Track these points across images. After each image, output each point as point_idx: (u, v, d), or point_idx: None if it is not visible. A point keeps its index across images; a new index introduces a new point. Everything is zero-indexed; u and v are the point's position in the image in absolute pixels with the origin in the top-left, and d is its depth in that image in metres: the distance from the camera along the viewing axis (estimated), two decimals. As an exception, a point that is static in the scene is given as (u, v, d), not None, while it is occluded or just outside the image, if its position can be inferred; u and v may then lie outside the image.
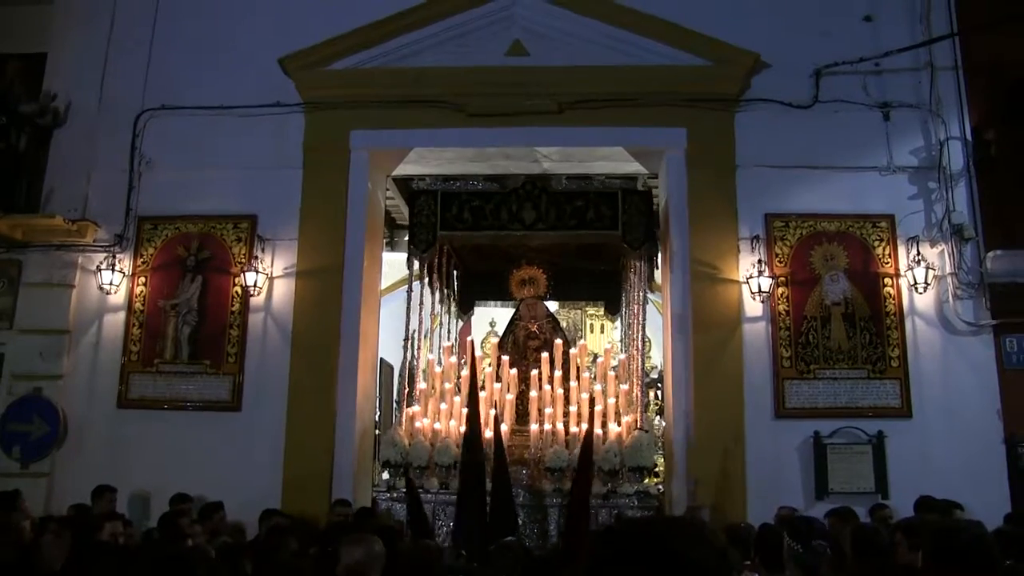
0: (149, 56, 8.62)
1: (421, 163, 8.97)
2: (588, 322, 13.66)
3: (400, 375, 12.96)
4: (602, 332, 13.48)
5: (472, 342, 9.10)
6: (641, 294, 8.47)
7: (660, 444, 9.03)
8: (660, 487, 8.32)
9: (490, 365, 8.94)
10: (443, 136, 8.29)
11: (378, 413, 9.99)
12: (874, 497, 7.23)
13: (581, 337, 12.96)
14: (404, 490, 7.46)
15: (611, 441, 7.59)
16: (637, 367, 8.37)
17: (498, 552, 4.73)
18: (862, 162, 8.02)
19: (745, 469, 7.40)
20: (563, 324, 12.39)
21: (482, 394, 8.09)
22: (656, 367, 12.49)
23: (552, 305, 10.84)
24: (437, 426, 7.94)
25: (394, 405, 12.88)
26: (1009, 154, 7.87)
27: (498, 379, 8.39)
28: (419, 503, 6.98)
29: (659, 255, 8.70)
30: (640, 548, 1.49)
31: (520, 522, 7.11)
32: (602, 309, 12.15)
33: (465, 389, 8.27)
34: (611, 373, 8.37)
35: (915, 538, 3.86)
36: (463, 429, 7.33)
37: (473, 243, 9.07)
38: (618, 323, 10.65)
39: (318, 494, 7.44)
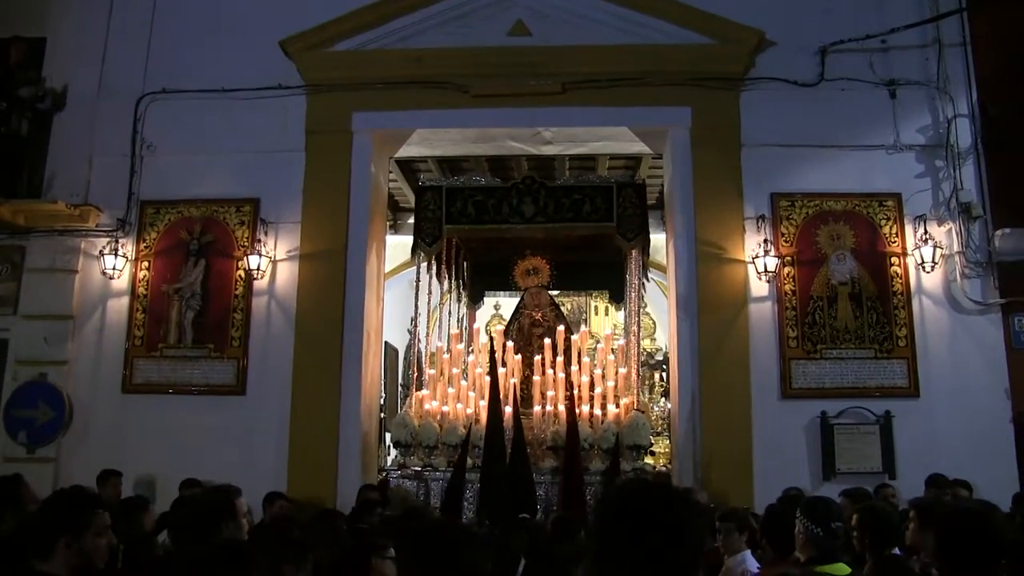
0: (149, 39, 8.57)
1: (424, 145, 8.94)
2: (592, 304, 13.65)
3: (405, 359, 13.01)
4: (606, 315, 13.46)
5: (478, 330, 9.16)
6: (637, 281, 8.51)
7: (664, 424, 9.08)
8: (667, 467, 8.36)
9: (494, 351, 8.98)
10: (446, 117, 8.24)
11: (383, 396, 10.00)
12: (881, 477, 7.22)
13: (585, 320, 13.00)
14: (415, 468, 7.71)
15: (609, 421, 7.67)
16: (634, 352, 8.40)
17: (517, 526, 4.83)
18: (868, 140, 7.96)
19: (751, 450, 7.38)
20: (568, 308, 12.45)
21: (487, 379, 8.18)
22: (661, 349, 12.49)
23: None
24: (445, 408, 8.05)
25: (399, 388, 12.95)
26: (1018, 131, 7.77)
27: (503, 364, 8.44)
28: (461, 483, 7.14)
29: (650, 246, 8.72)
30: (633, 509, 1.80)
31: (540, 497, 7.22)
32: (606, 294, 12.17)
33: (473, 374, 8.36)
34: (610, 358, 8.42)
35: (927, 517, 3.82)
36: (484, 412, 7.58)
37: (479, 236, 9.13)
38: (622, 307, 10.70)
39: (324, 477, 7.45)
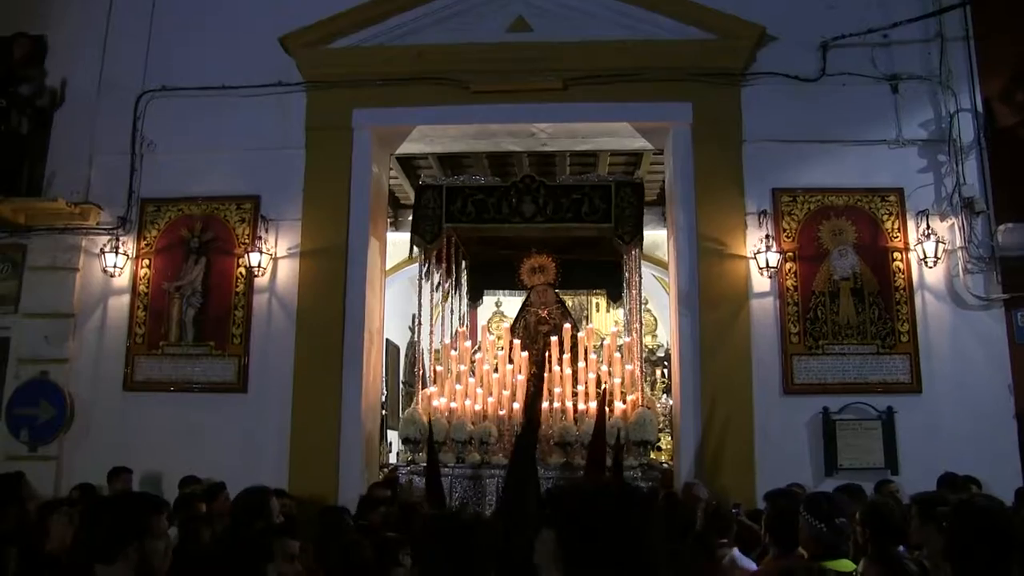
0: (149, 37, 8.55)
1: (424, 142, 8.92)
2: (594, 301, 13.64)
3: (407, 356, 13.02)
4: (608, 312, 13.46)
5: (485, 328, 9.11)
6: (637, 279, 8.50)
7: (665, 421, 9.08)
8: (668, 463, 8.36)
9: (501, 349, 9.01)
10: (446, 114, 8.22)
11: (384, 393, 10.00)
12: (883, 473, 7.18)
13: (587, 317, 13.00)
14: (424, 464, 7.61)
15: (616, 417, 7.66)
16: (638, 349, 8.41)
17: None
18: (870, 136, 7.92)
19: (753, 446, 7.36)
20: (569, 305, 12.44)
21: (495, 376, 8.19)
22: (663, 345, 12.48)
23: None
24: (453, 405, 8.05)
25: (400, 385, 12.95)
26: (1021, 126, 7.75)
27: (510, 361, 8.46)
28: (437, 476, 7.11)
29: (644, 243, 8.71)
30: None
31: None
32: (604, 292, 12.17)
33: (480, 371, 8.36)
34: (616, 355, 8.41)
35: (929, 513, 3.81)
36: (492, 409, 7.80)
37: (477, 235, 9.12)
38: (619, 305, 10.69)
39: (325, 474, 7.45)
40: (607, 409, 7.84)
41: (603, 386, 7.79)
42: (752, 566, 4.43)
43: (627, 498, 1.81)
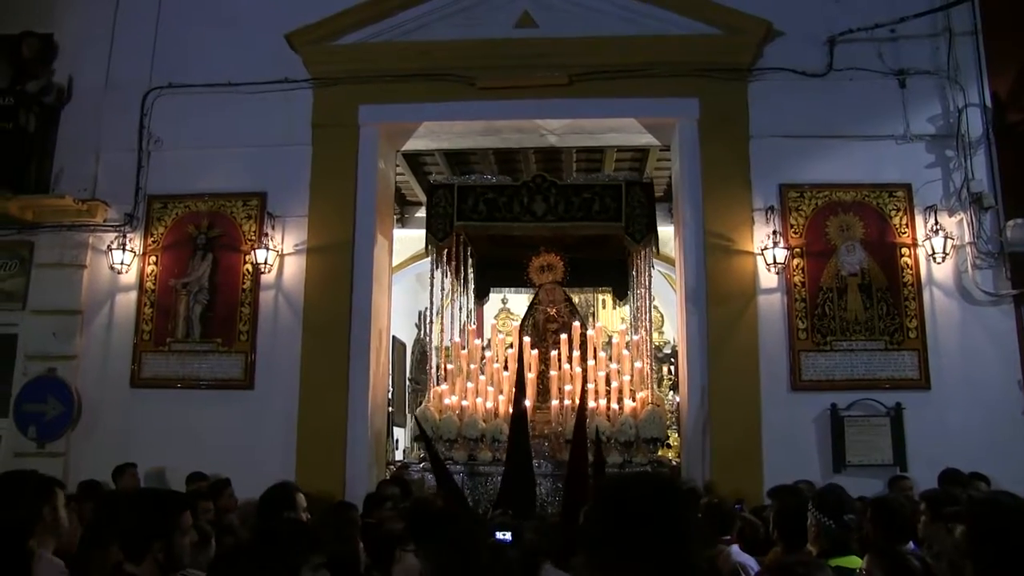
0: (156, 34, 8.57)
1: (431, 138, 8.91)
2: (600, 298, 13.62)
3: (413, 353, 13.02)
4: (614, 308, 13.44)
5: (494, 326, 9.09)
6: (646, 279, 8.48)
7: (673, 418, 9.06)
8: (677, 460, 8.35)
9: (511, 347, 9.00)
10: (453, 110, 8.21)
11: (391, 390, 10.00)
12: (892, 470, 7.17)
13: (593, 314, 12.97)
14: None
15: (626, 415, 7.68)
16: (646, 347, 8.40)
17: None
18: (878, 131, 7.89)
19: (761, 443, 7.34)
20: (575, 302, 12.43)
21: (505, 374, 8.19)
22: (669, 342, 12.45)
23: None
24: (464, 403, 8.05)
25: (406, 382, 12.96)
26: (1029, 120, 7.72)
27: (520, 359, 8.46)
28: (446, 472, 7.11)
29: (659, 239, 8.67)
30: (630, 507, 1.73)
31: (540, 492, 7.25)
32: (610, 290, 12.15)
33: (490, 369, 8.38)
34: (625, 353, 8.40)
35: (938, 509, 3.80)
36: (503, 407, 7.73)
37: (486, 233, 9.11)
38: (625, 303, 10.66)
39: (332, 471, 7.44)
40: (617, 406, 7.85)
41: (587, 385, 7.77)
42: (750, 562, 4.41)
43: (668, 487, 1.80)
